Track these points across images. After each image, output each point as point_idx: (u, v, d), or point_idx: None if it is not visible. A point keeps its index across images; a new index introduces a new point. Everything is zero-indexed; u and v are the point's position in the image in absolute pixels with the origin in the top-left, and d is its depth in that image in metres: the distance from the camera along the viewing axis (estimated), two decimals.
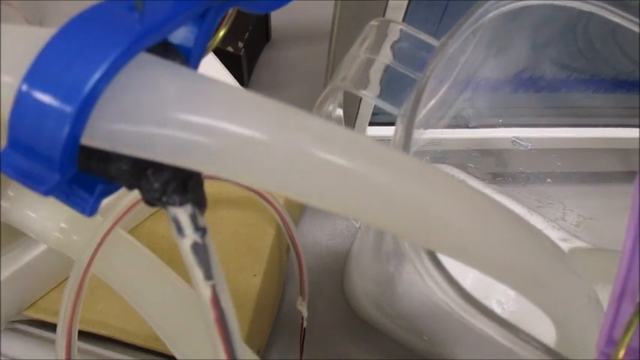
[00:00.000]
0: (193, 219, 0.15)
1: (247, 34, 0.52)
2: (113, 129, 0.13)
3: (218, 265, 0.15)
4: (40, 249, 0.32)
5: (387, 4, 0.25)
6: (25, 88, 0.13)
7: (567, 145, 0.33)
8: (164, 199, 0.15)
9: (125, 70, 0.13)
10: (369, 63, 0.21)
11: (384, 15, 0.26)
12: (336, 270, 0.49)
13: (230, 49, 0.51)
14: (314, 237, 0.51)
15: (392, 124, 0.43)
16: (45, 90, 0.13)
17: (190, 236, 0.15)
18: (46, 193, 0.13)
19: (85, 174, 0.15)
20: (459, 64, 0.22)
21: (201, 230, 0.15)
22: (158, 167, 0.15)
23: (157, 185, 0.15)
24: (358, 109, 0.35)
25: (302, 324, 0.43)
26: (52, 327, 0.35)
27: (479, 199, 0.15)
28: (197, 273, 0.15)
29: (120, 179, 0.15)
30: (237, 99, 0.14)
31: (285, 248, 0.44)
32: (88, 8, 0.14)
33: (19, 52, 0.14)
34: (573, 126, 0.33)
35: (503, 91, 0.31)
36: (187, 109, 0.13)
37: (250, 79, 0.58)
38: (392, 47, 0.22)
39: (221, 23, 0.18)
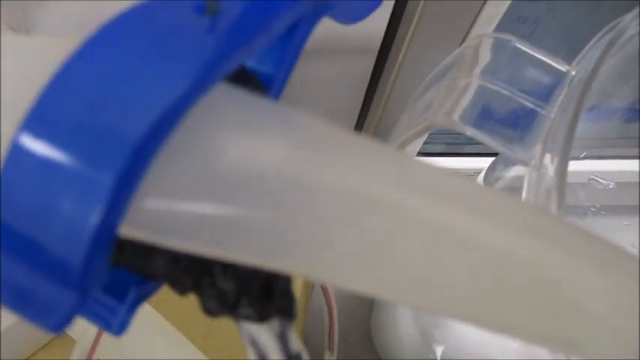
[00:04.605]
0: (283, 341, 0.10)
1: None
2: (174, 210, 0.08)
3: None
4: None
5: (475, 18, 0.20)
6: (22, 140, 0.08)
7: None
8: (239, 310, 0.10)
9: (194, 113, 0.08)
10: (479, 92, 0.16)
11: (469, 31, 0.21)
12: (360, 313, 0.44)
13: None
14: None
15: (441, 154, 0.38)
16: (58, 143, 0.08)
17: None
18: (56, 327, 0.08)
19: (112, 269, 0.10)
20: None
21: (295, 359, 0.10)
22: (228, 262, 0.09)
23: (228, 287, 0.09)
24: None
25: None
26: None
27: None
28: None
29: (168, 278, 0.10)
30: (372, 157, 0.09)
31: (310, 288, 0.39)
32: (131, 9, 0.08)
33: (19, 81, 0.08)
34: None
35: (605, 121, 0.26)
36: (304, 172, 0.08)
37: None
38: (504, 71, 0.17)
39: None
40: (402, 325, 0.39)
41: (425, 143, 0.31)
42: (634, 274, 0.10)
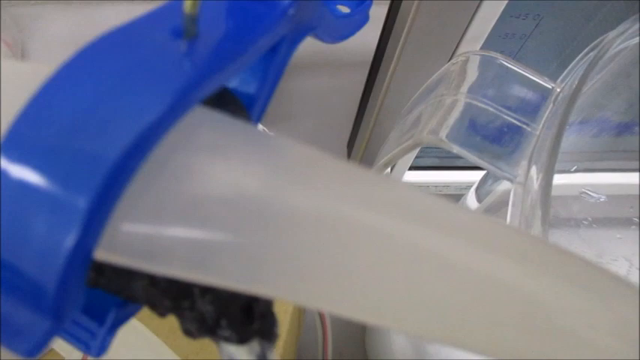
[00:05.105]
0: None
1: None
2: (150, 234, 0.08)
3: None
4: None
5: (463, 35, 0.20)
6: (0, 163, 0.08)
7: None
8: (219, 332, 0.09)
9: (171, 136, 0.08)
10: (466, 109, 0.16)
11: (457, 47, 0.21)
12: (355, 329, 0.44)
13: None
14: None
15: (433, 168, 0.39)
16: (32, 166, 0.08)
17: None
18: (29, 352, 0.08)
19: (91, 291, 0.10)
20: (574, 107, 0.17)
21: None
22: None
23: (208, 309, 0.09)
24: None
25: None
26: None
27: None
28: None
29: (147, 301, 0.10)
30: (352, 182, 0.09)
31: (303, 309, 0.38)
32: (108, 33, 0.09)
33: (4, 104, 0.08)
34: None
35: (592, 135, 0.26)
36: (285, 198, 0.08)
37: None
38: (491, 88, 0.17)
39: None
40: (396, 341, 0.39)
41: (417, 157, 0.31)
42: (621, 297, 0.10)
